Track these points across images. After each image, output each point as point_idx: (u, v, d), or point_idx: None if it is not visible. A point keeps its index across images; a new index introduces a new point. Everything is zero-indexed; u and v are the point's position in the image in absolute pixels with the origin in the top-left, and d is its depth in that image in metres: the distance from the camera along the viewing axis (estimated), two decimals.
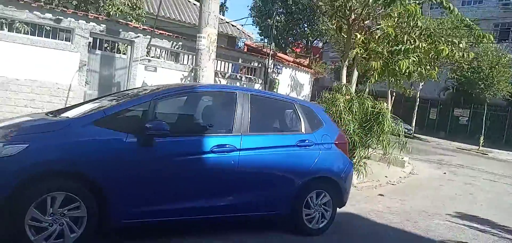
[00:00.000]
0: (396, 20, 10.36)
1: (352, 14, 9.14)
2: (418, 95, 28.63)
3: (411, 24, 11.72)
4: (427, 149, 20.86)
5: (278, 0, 21.71)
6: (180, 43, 10.48)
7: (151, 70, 9.63)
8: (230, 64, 12.20)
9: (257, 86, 11.80)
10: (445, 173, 12.84)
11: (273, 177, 4.78)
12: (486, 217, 7.45)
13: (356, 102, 9.01)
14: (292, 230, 5.09)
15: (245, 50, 15.81)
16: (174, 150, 4.16)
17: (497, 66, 22.65)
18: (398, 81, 12.74)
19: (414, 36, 10.97)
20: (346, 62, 9.84)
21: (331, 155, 5.27)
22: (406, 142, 10.46)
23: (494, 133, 28.64)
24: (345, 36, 9.99)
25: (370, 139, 9.23)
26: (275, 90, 12.03)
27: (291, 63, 13.98)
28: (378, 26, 9.92)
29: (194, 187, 4.29)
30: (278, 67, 11.99)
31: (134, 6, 10.04)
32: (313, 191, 5.09)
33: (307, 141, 5.08)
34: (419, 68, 11.39)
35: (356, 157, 8.91)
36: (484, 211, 7.97)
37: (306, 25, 23.72)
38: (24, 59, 8.76)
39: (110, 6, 9.51)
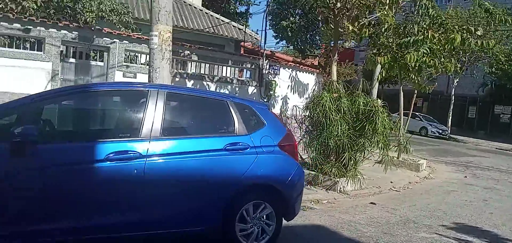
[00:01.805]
0: (395, 7, 9.35)
1: (338, 2, 8.25)
2: (452, 93, 26.69)
3: (420, 12, 10.71)
4: (459, 151, 19.23)
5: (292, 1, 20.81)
6: None
7: (130, 77, 9.21)
8: (236, 69, 11.58)
9: (251, 89, 11.10)
10: (465, 176, 11.51)
11: (192, 187, 4.12)
12: (490, 229, 6.34)
13: (344, 100, 8.13)
14: None
15: (242, 52, 15.16)
16: (54, 159, 3.61)
17: None
18: (410, 77, 11.67)
19: (424, 25, 9.97)
20: (336, 56, 8.94)
21: (273, 159, 4.53)
22: (406, 143, 9.41)
23: None
24: (333, 27, 9.10)
25: (363, 140, 8.31)
26: (272, 92, 11.28)
27: (290, 63, 13.13)
28: (373, 16, 8.97)
29: (82, 202, 3.70)
30: (274, 67, 11.23)
31: (117, 12, 9.60)
32: (249, 203, 4.37)
33: (239, 144, 4.37)
34: (431, 61, 10.27)
35: (346, 162, 8.00)
36: (491, 221, 6.83)
37: (323, 25, 22.67)
38: None
39: (88, 13, 9.16)
